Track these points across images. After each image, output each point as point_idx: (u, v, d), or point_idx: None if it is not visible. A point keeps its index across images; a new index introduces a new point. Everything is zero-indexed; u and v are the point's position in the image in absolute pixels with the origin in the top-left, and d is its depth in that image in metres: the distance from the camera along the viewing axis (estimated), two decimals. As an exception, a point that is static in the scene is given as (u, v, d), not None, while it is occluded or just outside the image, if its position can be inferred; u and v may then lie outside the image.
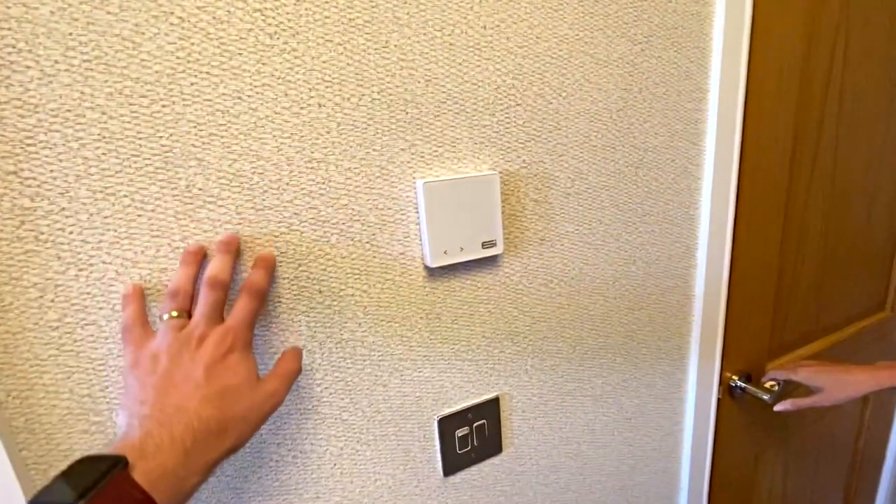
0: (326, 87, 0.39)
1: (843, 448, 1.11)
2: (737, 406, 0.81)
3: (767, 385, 0.76)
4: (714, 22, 0.58)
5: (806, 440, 1.00)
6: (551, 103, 0.49)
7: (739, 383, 0.78)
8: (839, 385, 0.69)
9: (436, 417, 0.51)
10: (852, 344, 0.98)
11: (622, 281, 0.61)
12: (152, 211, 0.35)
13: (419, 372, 0.49)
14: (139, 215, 0.35)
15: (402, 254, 0.45)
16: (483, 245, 0.48)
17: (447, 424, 0.52)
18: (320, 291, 0.42)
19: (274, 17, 0.36)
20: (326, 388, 0.45)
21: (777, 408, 0.72)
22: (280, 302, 0.41)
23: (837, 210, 0.84)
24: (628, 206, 0.58)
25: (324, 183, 0.40)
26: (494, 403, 0.55)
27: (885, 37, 0.79)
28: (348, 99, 0.40)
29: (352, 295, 0.44)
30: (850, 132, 0.80)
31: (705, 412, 0.74)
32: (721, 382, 0.76)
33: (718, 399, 0.77)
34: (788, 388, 0.75)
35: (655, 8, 0.53)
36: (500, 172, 0.48)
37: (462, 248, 0.47)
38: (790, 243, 0.79)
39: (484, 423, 0.55)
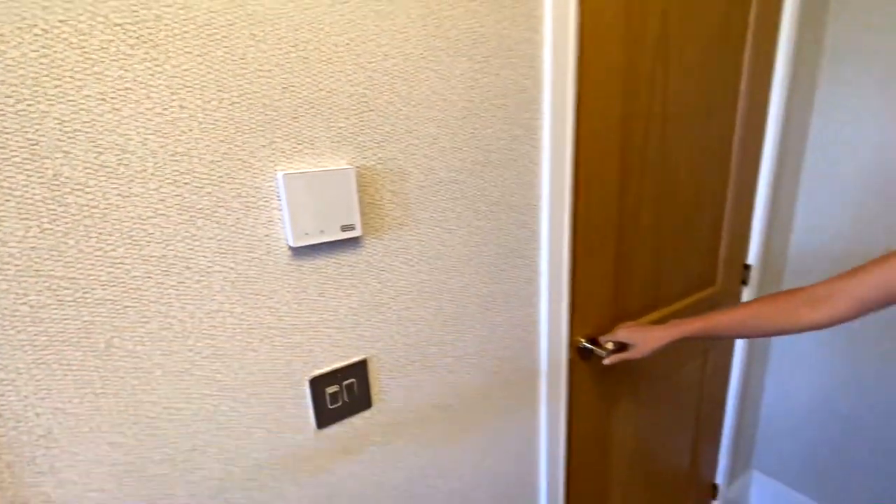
0: (188, 91, 0.45)
1: (689, 396, 1.34)
2: (588, 366, 0.97)
3: (608, 345, 0.93)
4: (544, 46, 0.70)
5: (654, 392, 1.20)
6: (401, 110, 0.59)
7: (586, 344, 0.94)
8: (645, 340, 0.86)
9: (307, 378, 0.60)
10: (688, 313, 1.19)
11: (476, 260, 0.73)
12: (20, 196, 0.40)
13: (289, 338, 0.57)
14: (7, 200, 0.40)
15: (267, 235, 0.53)
16: (342, 228, 0.57)
17: (318, 384, 0.61)
18: (188, 268, 0.49)
19: (134, 31, 0.42)
20: (198, 352, 0.51)
21: (604, 362, 0.89)
22: (150, 277, 0.47)
23: (668, 199, 1.03)
24: (478, 198, 0.70)
25: (188, 173, 0.47)
26: (362, 365, 0.64)
27: (701, 51, 0.97)
28: (209, 102, 0.46)
29: (219, 271, 0.51)
30: (675, 134, 0.98)
31: (557, 370, 0.89)
32: (571, 345, 0.92)
33: (570, 359, 0.92)
34: (620, 348, 0.91)
35: (492, 34, 0.64)
36: (357, 167, 0.57)
37: (322, 231, 0.55)
38: (627, 229, 0.96)
39: (353, 382, 0.64)
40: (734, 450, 1.55)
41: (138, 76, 0.43)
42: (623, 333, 0.90)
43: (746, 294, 1.34)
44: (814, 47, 1.23)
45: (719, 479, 1.55)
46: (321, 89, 0.53)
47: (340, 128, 0.55)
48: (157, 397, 0.50)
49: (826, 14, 1.22)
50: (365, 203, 0.59)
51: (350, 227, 0.57)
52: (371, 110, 0.57)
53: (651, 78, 0.89)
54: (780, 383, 1.54)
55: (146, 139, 0.44)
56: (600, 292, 0.95)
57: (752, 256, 1.30)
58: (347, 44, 0.53)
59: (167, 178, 0.46)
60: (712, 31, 0.98)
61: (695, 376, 1.33)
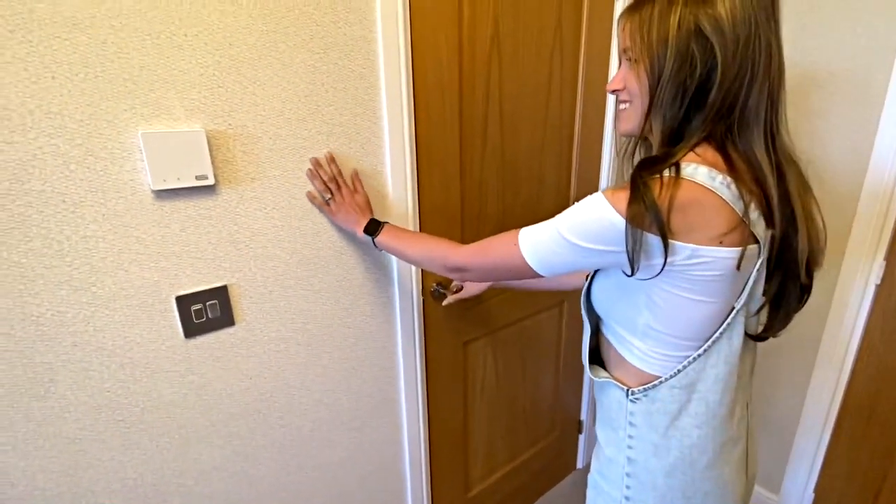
0: (58, 66, 0.61)
1: (548, 343, 1.59)
2: (440, 305, 1.19)
3: (452, 287, 1.14)
4: (377, 40, 0.89)
5: (511, 336, 1.44)
6: (248, 88, 0.76)
7: (438, 289, 1.15)
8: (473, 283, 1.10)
9: (173, 296, 0.77)
10: None
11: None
12: (-80, 138, 0.55)
13: (156, 263, 0.74)
14: None
15: (132, 180, 0.69)
16: (197, 178, 0.74)
17: (183, 301, 0.78)
18: (63, 202, 0.65)
19: (11, 19, 0.57)
20: (76, 268, 0.67)
21: (443, 303, 1.11)
22: (31, 206, 0.62)
23: (512, 177, 1.25)
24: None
25: (61, 128, 0.62)
26: (223, 290, 0.82)
27: (534, 45, 1.19)
28: (76, 75, 0.62)
29: (91, 205, 0.67)
30: (513, 124, 1.20)
31: (408, 305, 1.10)
32: (424, 289, 1.13)
33: (422, 300, 1.13)
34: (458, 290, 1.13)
35: (327, 30, 0.83)
36: (210, 130, 0.74)
37: (179, 179, 0.72)
38: (471, 199, 1.17)
39: (216, 303, 0.82)
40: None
41: (16, 54, 0.58)
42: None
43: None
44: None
45: (583, 414, 1.83)
46: (174, 69, 0.69)
47: (193, 99, 0.72)
48: (41, 300, 0.66)
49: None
50: (219, 159, 0.76)
51: (204, 177, 0.74)
52: (220, 87, 0.74)
53: (487, 73, 1.10)
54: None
55: (24, 101, 0.59)
56: None
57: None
58: (196, 34, 0.70)
59: (44, 131, 0.61)
60: (547, 27, 1.21)
61: (553, 322, 1.58)
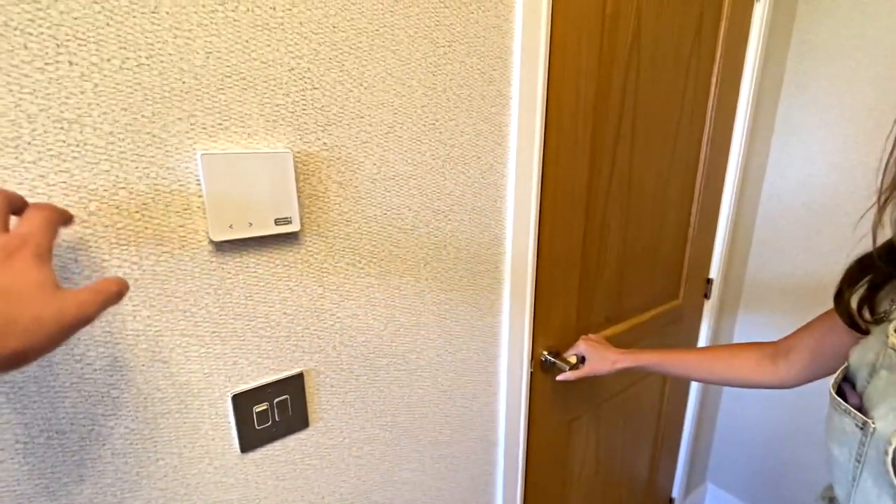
0: (79, 45, 0.37)
1: (649, 414, 1.32)
2: (549, 378, 0.92)
3: (570, 359, 0.88)
4: (514, 35, 0.65)
5: (615, 408, 1.17)
6: (352, 91, 0.52)
7: (549, 357, 0.89)
8: (600, 359, 0.83)
9: (229, 394, 0.52)
10: (651, 325, 1.17)
11: (433, 264, 0.66)
12: None
13: (208, 348, 0.49)
14: None
15: (181, 226, 0.45)
16: (277, 222, 0.49)
17: (243, 400, 0.53)
18: (76, 261, 0.40)
19: (5, -39, 0.33)
20: (89, 363, 0.43)
21: (558, 378, 0.85)
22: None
23: (635, 214, 1.00)
24: (437, 196, 0.64)
25: (77, 145, 0.38)
26: (298, 379, 0.57)
27: (672, 60, 0.95)
28: (108, 60, 0.38)
29: (118, 266, 0.42)
30: (644, 146, 0.96)
31: (517, 383, 0.84)
32: (532, 357, 0.86)
33: (531, 372, 0.87)
34: (578, 364, 0.87)
35: (457, 17, 0.59)
36: (297, 152, 0.50)
37: (251, 224, 0.47)
38: (592, 240, 0.92)
39: (287, 399, 0.56)
40: (690, 464, 1.54)
41: (11, 19, 0.34)
42: (583, 346, 0.87)
43: (708, 307, 1.33)
44: (776, 72, 1.25)
45: (675, 492, 1.54)
46: (254, 59, 0.45)
47: (278, 105, 0.48)
48: (30, 417, 0.41)
49: (786, 52, 1.24)
50: (306, 194, 0.52)
51: (286, 221, 0.49)
52: (315, 88, 0.50)
53: (623, 88, 0.86)
54: (735, 398, 1.55)
55: (20, 100, 0.36)
56: (563, 303, 0.90)
57: (714, 271, 1.30)
58: (288, 9, 0.46)
59: (49, 150, 0.37)
60: (686, 38, 0.97)
61: (655, 393, 1.31)
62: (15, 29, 0.34)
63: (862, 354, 0.54)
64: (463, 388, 0.77)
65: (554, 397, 0.96)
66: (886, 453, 0.45)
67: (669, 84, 0.96)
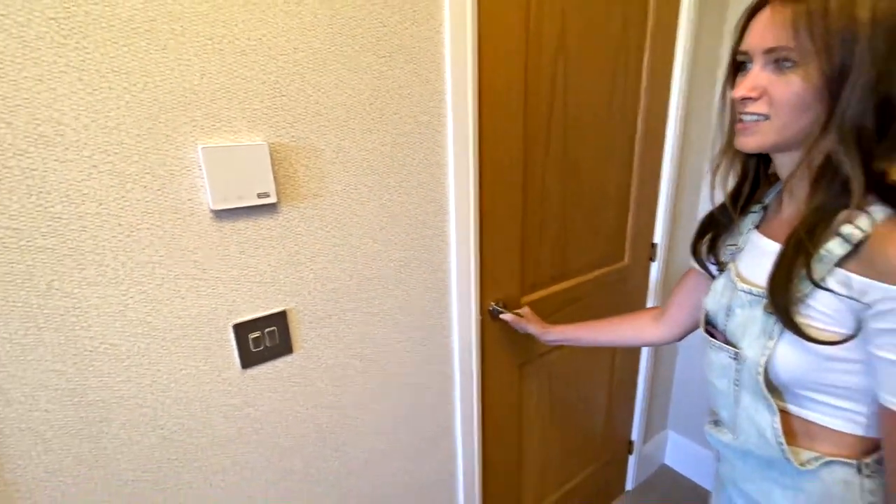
0: (115, 75, 0.54)
1: (601, 364, 1.50)
2: (497, 326, 1.10)
3: (519, 311, 1.06)
4: (444, 44, 0.81)
5: (564, 358, 1.35)
6: (311, 96, 0.69)
7: (497, 308, 1.07)
8: (542, 329, 1.04)
9: (231, 323, 0.70)
10: (596, 284, 1.34)
11: (388, 228, 0.84)
12: (-31, 158, 0.49)
13: (213, 289, 0.67)
14: (-43, 161, 0.48)
15: (190, 199, 0.63)
16: (259, 195, 0.67)
17: (241, 329, 0.71)
18: (119, 224, 0.58)
19: (67, 24, 0.51)
20: (131, 297, 0.61)
21: (500, 316, 1.04)
22: (85, 230, 0.56)
23: (574, 184, 1.16)
24: (388, 174, 0.81)
25: (117, 144, 0.56)
26: (282, 315, 0.75)
27: (602, 42, 1.11)
28: (135, 84, 0.56)
29: (148, 228, 0.60)
30: (577, 127, 1.12)
31: (467, 327, 1.02)
32: (482, 307, 1.05)
33: (481, 319, 1.05)
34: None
35: (395, 33, 0.75)
36: (271, 143, 0.67)
37: (240, 197, 0.65)
38: (532, 207, 1.09)
39: (274, 330, 0.75)
40: (648, 411, 1.73)
41: (70, 62, 0.52)
42: (526, 309, 1.06)
43: (654, 269, 1.51)
44: (714, 32, 1.39)
45: (634, 436, 1.73)
46: (236, 76, 0.63)
47: (255, 109, 0.65)
48: (94, 333, 0.60)
49: (725, 11, 1.38)
50: (280, 175, 0.69)
51: (266, 195, 0.67)
52: (283, 95, 0.67)
53: (552, 76, 1.02)
54: (690, 350, 1.73)
55: (79, 114, 0.53)
56: (509, 264, 1.08)
57: (658, 236, 1.46)
58: (260, 38, 0.63)
59: (99, 148, 0.55)
60: (613, 33, 1.12)
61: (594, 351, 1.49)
62: (74, 67, 0.52)
63: (716, 299, 0.68)
64: (420, 329, 0.95)
65: (504, 343, 1.14)
66: (759, 374, 0.58)
67: (601, 63, 1.12)
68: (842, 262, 0.51)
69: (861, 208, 0.50)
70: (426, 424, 1.02)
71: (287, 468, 0.83)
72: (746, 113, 0.56)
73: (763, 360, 0.57)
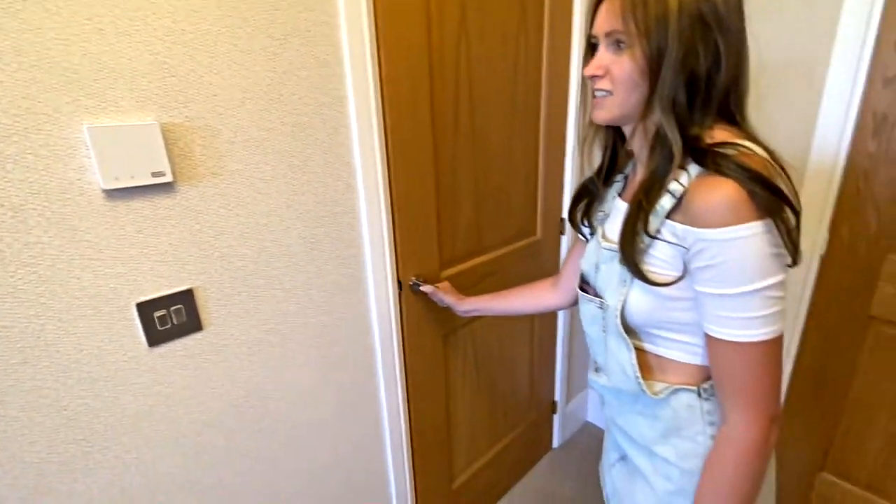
0: (-16, 54, 0.54)
1: (521, 331, 1.61)
2: (418, 300, 1.17)
3: (437, 284, 1.13)
4: (341, 26, 0.85)
5: (486, 326, 1.45)
6: (204, 77, 0.71)
7: (417, 282, 1.13)
8: (458, 300, 1.11)
9: (133, 302, 0.72)
10: (511, 257, 1.44)
11: (295, 206, 0.87)
12: None
13: (111, 269, 0.68)
14: None
15: (79, 179, 0.63)
16: (153, 175, 0.68)
17: (145, 308, 0.73)
18: (1, 205, 0.58)
19: (-77, 0, 0.50)
20: (20, 278, 0.61)
21: (420, 288, 1.11)
22: (-38, 211, 0.56)
23: (483, 165, 1.25)
24: (291, 154, 0.84)
25: (-8, 124, 0.56)
26: (188, 293, 0.77)
27: (501, 26, 1.19)
28: (8, 64, 0.56)
29: (34, 209, 0.61)
30: (483, 105, 1.19)
31: (385, 300, 1.08)
32: (403, 283, 1.10)
33: (400, 293, 1.11)
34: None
35: (287, 16, 0.78)
36: (164, 123, 0.69)
37: (133, 177, 0.67)
38: (445, 189, 1.16)
39: (181, 308, 0.77)
40: (568, 372, 1.88)
41: (-68, 39, 0.51)
42: (445, 285, 1.14)
43: (565, 242, 1.64)
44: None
45: (557, 396, 1.88)
46: (120, 57, 0.64)
47: (143, 90, 0.66)
48: (-19, 316, 0.60)
49: None
50: (175, 154, 0.71)
51: (161, 174, 0.69)
52: (173, 76, 0.68)
53: (456, 58, 1.08)
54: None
55: (-54, 93, 0.53)
56: (427, 241, 1.14)
57: (566, 211, 1.59)
58: (143, 19, 0.64)
59: (-29, 128, 0.55)
60: (512, 13, 1.20)
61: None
62: (-64, 45, 0.51)
63: (588, 260, 0.76)
64: (336, 304, 1.00)
65: (427, 315, 1.21)
66: (617, 317, 0.67)
67: (503, 44, 1.19)
68: (670, 214, 0.58)
69: (683, 168, 0.58)
70: (349, 396, 1.08)
71: (206, 443, 0.85)
72: (596, 89, 0.64)
73: (619, 306, 0.66)
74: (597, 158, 0.78)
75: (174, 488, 0.83)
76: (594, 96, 0.65)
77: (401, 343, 1.16)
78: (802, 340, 1.39)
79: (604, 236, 0.73)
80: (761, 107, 1.31)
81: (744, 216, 0.51)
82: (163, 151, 0.68)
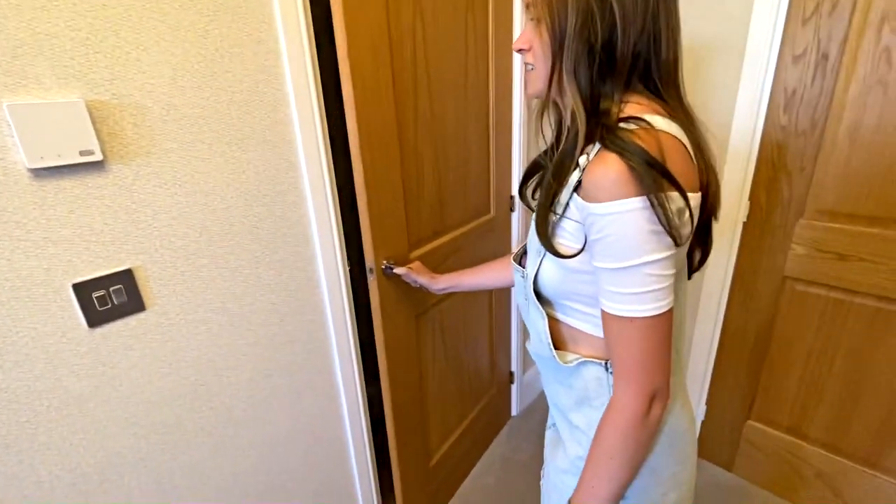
0: None
1: (482, 307, 1.67)
2: (392, 283, 1.17)
3: (410, 265, 1.14)
4: (274, 5, 0.86)
5: (454, 304, 1.48)
6: (131, 53, 0.71)
7: (389, 265, 1.13)
8: (431, 279, 1.13)
9: (69, 283, 0.71)
10: (470, 236, 1.48)
11: (235, 185, 0.88)
12: None
13: (42, 250, 0.68)
14: None
15: (2, 159, 0.62)
16: (81, 153, 0.68)
17: (82, 289, 0.72)
18: (-84, 185, 0.57)
19: None
20: (-57, 260, 0.60)
21: (394, 270, 1.12)
22: None
23: (442, 148, 1.27)
24: (227, 131, 0.85)
25: None
26: (128, 273, 0.77)
27: (451, 18, 1.21)
28: (-89, 38, 0.54)
29: (-47, 188, 0.59)
30: (440, 95, 1.21)
31: (335, 276, 1.10)
32: (377, 265, 1.11)
33: (376, 278, 1.11)
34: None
35: (216, -8, 0.78)
36: (90, 101, 0.68)
37: (59, 155, 0.66)
38: (409, 172, 1.16)
39: (121, 288, 0.77)
40: (523, 344, 1.97)
41: None
42: (416, 264, 1.16)
43: (514, 218, 1.70)
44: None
45: (514, 367, 1.96)
46: (38, 33, 0.62)
47: (66, 66, 0.65)
48: None
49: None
50: (105, 132, 0.71)
51: (89, 153, 0.68)
52: (97, 52, 0.68)
53: (412, 36, 1.09)
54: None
55: None
56: (396, 223, 1.15)
57: (515, 188, 1.65)
58: (60, -7, 0.63)
59: None
60: (459, 4, 1.22)
61: (485, 291, 1.66)
62: None
63: (530, 232, 0.76)
64: (286, 282, 1.01)
65: (401, 297, 1.22)
66: (529, 287, 0.68)
67: (453, 24, 1.21)
68: (576, 188, 0.57)
69: (593, 142, 0.56)
70: (304, 374, 1.10)
71: (158, 422, 0.86)
72: (524, 63, 0.66)
73: (533, 274, 0.67)
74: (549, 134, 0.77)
75: (126, 467, 0.83)
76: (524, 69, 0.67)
77: (354, 323, 1.18)
78: (729, 301, 1.51)
79: None
80: (694, 88, 1.40)
81: (624, 191, 0.51)
82: (90, 129, 0.68)
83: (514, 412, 2.04)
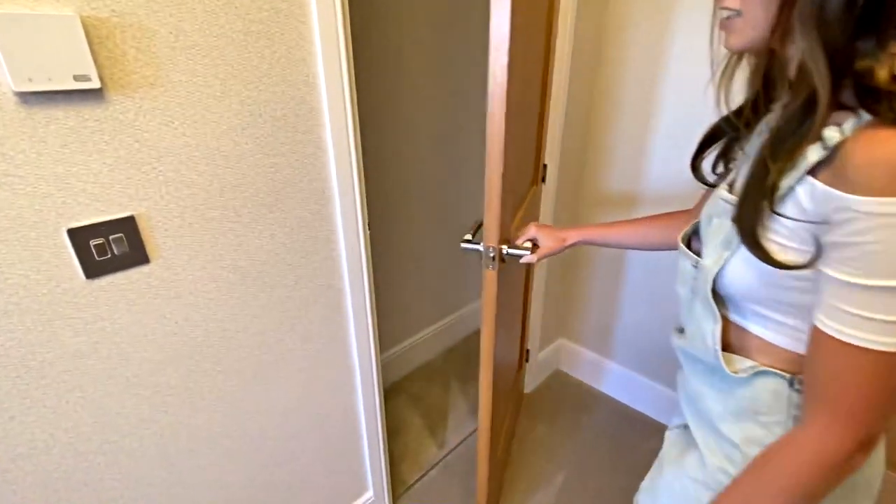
0: None
1: (520, 282, 1.57)
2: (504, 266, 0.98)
3: (526, 245, 0.95)
4: (300, -81, 0.74)
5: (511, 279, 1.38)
6: (133, -38, 0.60)
7: (509, 250, 0.94)
8: (553, 240, 0.95)
9: (63, 228, 0.64)
10: (530, 210, 1.36)
11: (251, 129, 0.79)
12: None
13: (33, 187, 0.60)
14: None
15: (-19, 77, 0.53)
16: (76, 78, 0.59)
17: (78, 235, 0.65)
18: None
19: None
20: (-83, 192, 0.53)
21: (521, 261, 0.96)
22: None
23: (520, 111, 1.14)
24: (243, 67, 0.75)
25: None
26: (130, 220, 0.69)
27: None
28: None
29: (-75, 108, 0.51)
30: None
31: (355, 239, 1.02)
32: (496, 251, 0.91)
33: (496, 268, 0.93)
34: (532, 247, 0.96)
35: None
36: (85, 16, 0.58)
37: (50, 78, 0.57)
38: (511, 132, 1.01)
39: (122, 237, 0.69)
40: (543, 323, 1.89)
41: None
42: (534, 231, 0.98)
43: (546, 190, 1.58)
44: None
45: (529, 346, 1.89)
46: (22, -75, 0.52)
47: (56, -29, 0.55)
48: None
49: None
50: (103, 56, 0.61)
51: (85, 78, 0.59)
52: (93, -43, 0.57)
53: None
54: (577, 267, 1.88)
55: None
56: (510, 199, 1.00)
57: (548, 156, 1.53)
58: None
59: None
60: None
61: (522, 269, 1.55)
62: None
63: (707, 209, 0.62)
64: (302, 243, 0.93)
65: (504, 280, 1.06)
66: (707, 282, 0.56)
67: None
68: (815, 169, 0.44)
69: (835, 111, 0.43)
70: (318, 338, 1.03)
71: (161, 383, 0.81)
72: (723, 8, 0.50)
73: (715, 270, 0.55)
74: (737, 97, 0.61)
75: (127, 427, 0.78)
76: (722, 21, 0.51)
77: (371, 288, 1.11)
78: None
79: (732, 185, 0.60)
80: None
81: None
82: (86, 50, 0.58)
83: (526, 390, 1.99)
